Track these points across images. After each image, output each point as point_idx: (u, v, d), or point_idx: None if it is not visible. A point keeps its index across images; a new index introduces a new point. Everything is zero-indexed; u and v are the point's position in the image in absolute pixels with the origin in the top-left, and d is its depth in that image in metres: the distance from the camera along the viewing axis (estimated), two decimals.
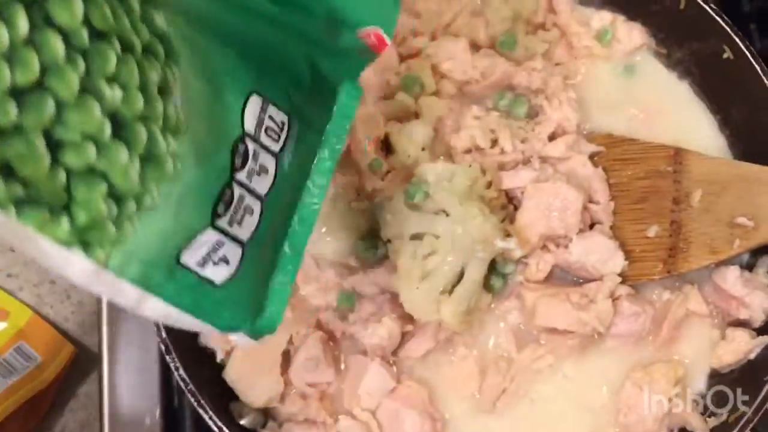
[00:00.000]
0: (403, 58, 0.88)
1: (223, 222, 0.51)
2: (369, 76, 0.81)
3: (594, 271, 0.82)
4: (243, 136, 0.54)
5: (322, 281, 0.81)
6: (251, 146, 0.54)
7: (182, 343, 0.76)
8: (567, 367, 0.83)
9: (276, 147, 0.57)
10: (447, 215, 0.76)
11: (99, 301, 0.91)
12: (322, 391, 0.79)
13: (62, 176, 0.39)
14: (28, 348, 0.91)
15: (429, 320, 0.78)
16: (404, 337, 0.81)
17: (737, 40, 0.88)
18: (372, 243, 0.80)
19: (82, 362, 0.96)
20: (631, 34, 0.95)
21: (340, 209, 0.81)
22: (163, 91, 0.46)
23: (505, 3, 0.90)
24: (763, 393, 0.77)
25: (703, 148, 0.90)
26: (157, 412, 0.86)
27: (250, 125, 0.54)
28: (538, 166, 0.85)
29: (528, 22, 0.93)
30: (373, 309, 0.80)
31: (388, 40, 0.57)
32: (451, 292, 0.76)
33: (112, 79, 0.42)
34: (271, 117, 0.56)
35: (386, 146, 0.84)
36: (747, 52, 0.87)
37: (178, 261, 0.47)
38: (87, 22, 0.40)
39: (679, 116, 0.94)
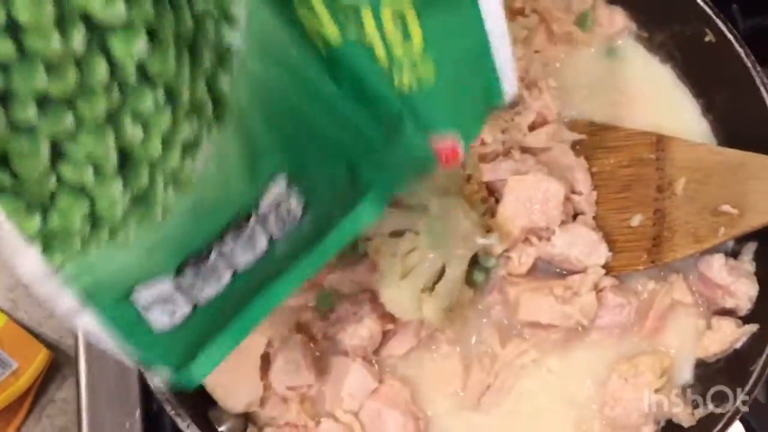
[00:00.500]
0: None
1: (185, 279, 0.49)
2: None
3: (577, 263, 0.81)
4: (251, 213, 0.51)
5: None
6: (253, 224, 0.51)
7: None
8: (551, 361, 0.81)
9: (278, 234, 0.53)
10: (427, 211, 0.74)
11: None
12: (303, 394, 0.77)
13: (52, 182, 0.40)
14: (4, 354, 0.89)
15: (411, 319, 0.76)
16: (386, 335, 0.79)
17: (719, 22, 0.86)
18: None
19: (59, 367, 0.94)
20: (612, 17, 0.93)
21: None
22: (190, 146, 0.45)
23: None
24: (750, 383, 0.76)
25: (686, 132, 0.88)
26: (137, 416, 0.84)
27: (265, 205, 0.51)
28: (519, 157, 0.83)
29: (507, 8, 0.90)
30: (353, 308, 0.78)
31: (461, 153, 0.53)
32: (432, 289, 0.74)
33: (138, 119, 0.41)
34: (289, 205, 0.53)
35: None
36: (730, 35, 0.86)
37: (128, 295, 0.46)
38: (140, 63, 0.39)
39: (661, 101, 0.92)
